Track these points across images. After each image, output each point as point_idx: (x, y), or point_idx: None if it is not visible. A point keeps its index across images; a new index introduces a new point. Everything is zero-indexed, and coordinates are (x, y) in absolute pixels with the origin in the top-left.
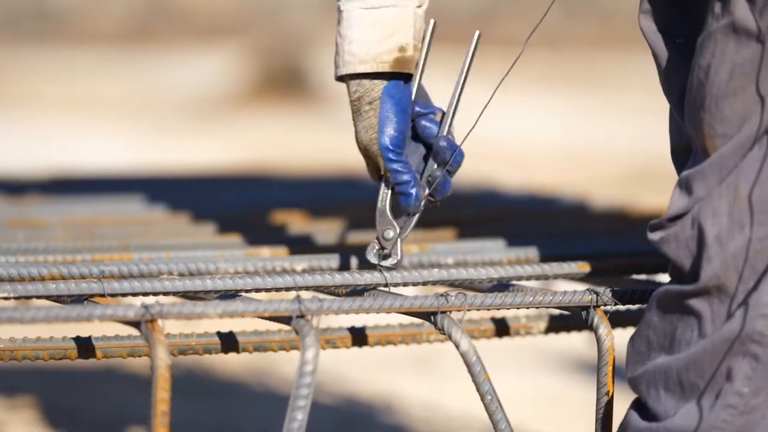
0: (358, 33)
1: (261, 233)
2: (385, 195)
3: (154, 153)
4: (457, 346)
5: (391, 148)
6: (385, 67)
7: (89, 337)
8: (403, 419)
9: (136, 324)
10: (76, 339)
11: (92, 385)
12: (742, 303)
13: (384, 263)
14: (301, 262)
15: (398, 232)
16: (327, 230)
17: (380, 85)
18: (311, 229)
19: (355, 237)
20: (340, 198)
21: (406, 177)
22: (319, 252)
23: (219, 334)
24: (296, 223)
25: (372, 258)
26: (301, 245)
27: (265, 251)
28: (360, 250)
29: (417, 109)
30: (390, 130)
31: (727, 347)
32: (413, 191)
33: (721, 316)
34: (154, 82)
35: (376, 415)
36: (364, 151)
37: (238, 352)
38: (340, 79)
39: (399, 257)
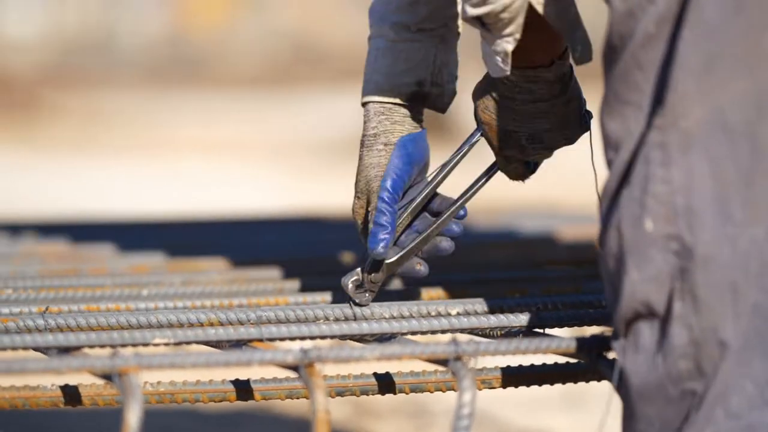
0: (381, 65)
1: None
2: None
3: (292, 195)
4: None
5: (390, 191)
6: (402, 99)
7: (248, 380)
8: None
9: (294, 368)
10: (234, 382)
11: (245, 426)
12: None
13: (356, 295)
14: (456, 306)
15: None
16: (477, 272)
17: (400, 134)
18: (462, 271)
19: (505, 277)
20: (485, 239)
21: (385, 222)
22: (472, 295)
23: (376, 375)
24: (447, 266)
25: (347, 280)
26: (455, 288)
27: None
28: (508, 290)
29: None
30: (395, 176)
31: None
32: (382, 238)
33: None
34: (292, 125)
35: None
36: (365, 185)
37: (395, 393)
38: (364, 106)
39: (368, 300)
